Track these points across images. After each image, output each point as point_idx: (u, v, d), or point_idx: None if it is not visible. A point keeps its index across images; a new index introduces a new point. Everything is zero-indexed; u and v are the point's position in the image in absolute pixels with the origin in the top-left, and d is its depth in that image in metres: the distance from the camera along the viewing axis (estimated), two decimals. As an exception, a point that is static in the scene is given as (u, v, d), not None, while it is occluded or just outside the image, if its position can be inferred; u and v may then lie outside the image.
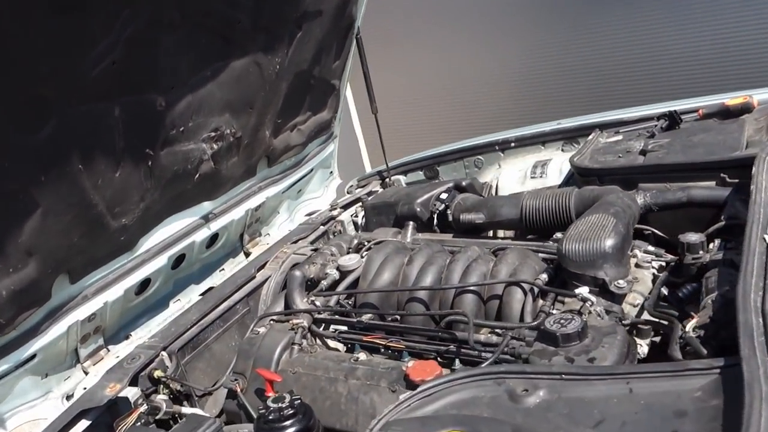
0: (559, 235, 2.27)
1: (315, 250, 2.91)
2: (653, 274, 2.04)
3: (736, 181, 2.27)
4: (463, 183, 3.03)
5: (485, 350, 1.89)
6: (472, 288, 2.10)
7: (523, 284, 2.04)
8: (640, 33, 5.48)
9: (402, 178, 3.74)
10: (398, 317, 2.25)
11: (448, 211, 2.86)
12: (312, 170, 3.65)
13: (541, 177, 3.14)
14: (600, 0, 5.55)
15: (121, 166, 2.33)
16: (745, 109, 2.74)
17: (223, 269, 3.23)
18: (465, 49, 6.32)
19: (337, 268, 2.48)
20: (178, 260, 2.86)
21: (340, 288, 2.38)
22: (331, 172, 3.84)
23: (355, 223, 3.39)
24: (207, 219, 3.00)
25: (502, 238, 2.69)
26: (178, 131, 2.55)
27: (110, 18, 1.97)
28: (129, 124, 2.27)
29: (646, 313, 1.89)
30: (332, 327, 2.29)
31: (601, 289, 1.93)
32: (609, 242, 1.94)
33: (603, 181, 2.61)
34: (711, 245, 1.92)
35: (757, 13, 4.97)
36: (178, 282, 2.99)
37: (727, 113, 2.79)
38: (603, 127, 3.15)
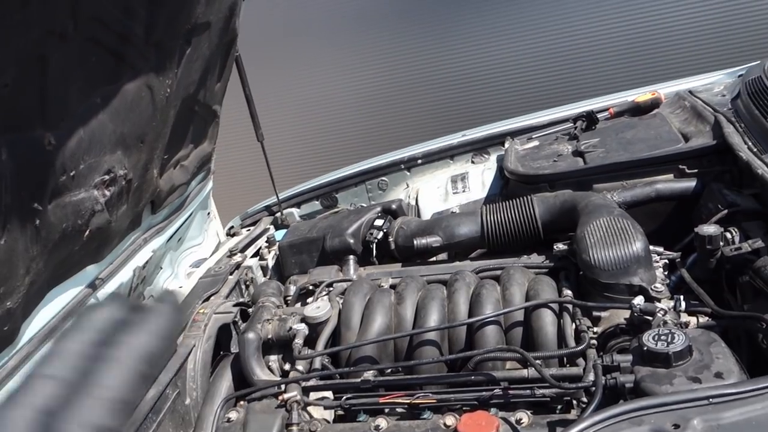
0: (561, 246, 2.09)
1: (243, 305, 2.43)
2: (663, 273, 1.94)
3: (695, 171, 2.29)
4: (393, 206, 2.75)
5: (537, 387, 1.64)
6: (490, 319, 1.83)
7: (549, 305, 1.81)
8: (533, 35, 5.50)
9: (295, 211, 3.35)
10: (399, 369, 1.90)
11: (389, 239, 2.56)
12: (192, 213, 3.12)
13: (464, 191, 2.98)
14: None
15: (6, 230, 1.73)
16: (655, 104, 2.84)
17: (110, 348, 2.58)
18: (345, 63, 5.95)
19: (303, 321, 2.05)
20: (65, 347, 2.21)
21: (320, 344, 1.95)
22: (209, 213, 3.32)
23: (263, 268, 2.92)
24: (94, 287, 2.39)
25: (460, 260, 2.44)
26: (68, 177, 1.99)
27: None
28: (16, 172, 1.70)
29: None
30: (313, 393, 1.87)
31: (636, 296, 1.78)
32: (639, 245, 1.81)
33: (554, 187, 2.51)
34: (728, 236, 1.87)
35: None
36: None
37: (637, 110, 2.87)
38: (513, 134, 3.08)
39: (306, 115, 6.09)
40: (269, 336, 2.08)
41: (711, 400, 1.24)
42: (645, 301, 1.71)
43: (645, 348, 1.42)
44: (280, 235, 3.10)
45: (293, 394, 1.74)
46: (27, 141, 1.70)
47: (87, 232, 2.22)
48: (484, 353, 1.71)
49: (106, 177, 2.21)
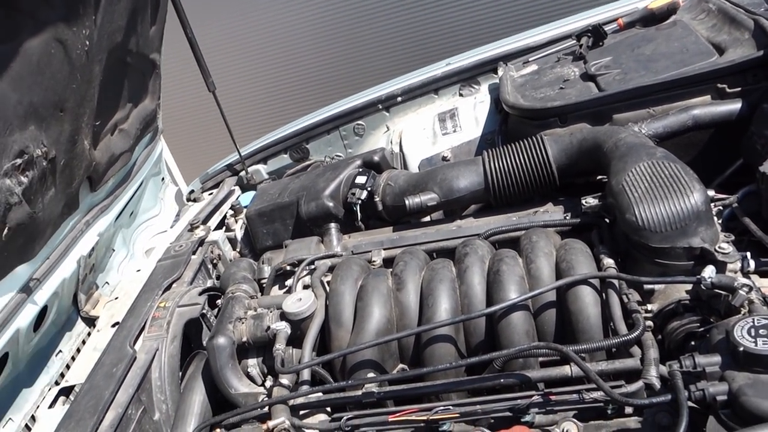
0: (591, 200, 1.71)
1: (212, 293, 2.05)
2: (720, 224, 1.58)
3: (738, 90, 1.90)
4: (375, 158, 2.34)
5: (586, 390, 1.29)
6: (515, 303, 1.46)
7: (591, 280, 1.45)
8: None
9: (262, 168, 2.92)
10: (406, 369, 1.55)
11: (376, 198, 2.16)
12: (143, 182, 2.68)
13: (454, 131, 2.56)
14: None
15: None
16: (672, 9, 2.41)
17: (60, 351, 2.20)
18: None
19: (283, 318, 1.67)
20: (0, 365, 1.86)
21: (306, 348, 1.58)
22: (163, 178, 2.89)
23: (231, 240, 2.52)
24: (28, 291, 2.01)
25: (460, 217, 2.06)
26: None
27: None
28: None
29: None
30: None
31: (697, 261, 1.42)
32: (698, 196, 1.43)
33: (566, 121, 2.11)
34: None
35: None
36: (3, 396, 1.97)
37: (651, 18, 2.44)
38: (506, 59, 2.64)
39: (263, 54, 5.37)
40: (244, 339, 1.71)
41: None
42: (713, 267, 1.35)
43: (741, 348, 1.07)
44: (247, 199, 2.68)
45: (280, 420, 1.39)
46: None
47: (5, 230, 1.81)
48: (514, 352, 1.35)
49: (19, 160, 1.79)
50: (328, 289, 1.75)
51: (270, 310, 1.73)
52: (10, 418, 1.96)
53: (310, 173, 2.44)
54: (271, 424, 1.39)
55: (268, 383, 1.56)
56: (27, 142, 1.79)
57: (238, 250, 2.50)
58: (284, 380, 1.52)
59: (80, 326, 2.29)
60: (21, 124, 1.76)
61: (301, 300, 1.67)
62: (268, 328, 1.68)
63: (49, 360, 2.14)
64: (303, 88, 5.43)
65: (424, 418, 1.36)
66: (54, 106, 1.89)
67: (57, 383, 2.09)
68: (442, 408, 1.36)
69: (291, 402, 1.46)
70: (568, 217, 1.80)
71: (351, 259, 1.80)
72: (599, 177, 1.96)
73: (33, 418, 1.98)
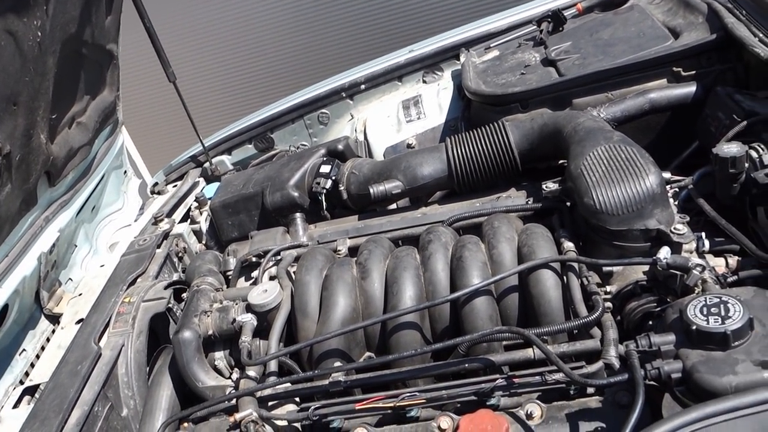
0: (551, 185, 1.73)
1: (178, 284, 2.03)
2: (676, 205, 1.61)
3: (693, 73, 1.94)
4: (339, 146, 2.33)
5: (549, 372, 1.32)
6: (478, 288, 1.48)
7: (551, 264, 1.48)
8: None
9: (226, 159, 2.90)
10: (372, 357, 1.56)
11: (340, 187, 2.16)
12: (104, 176, 2.64)
13: (419, 118, 2.57)
14: None
15: None
16: (627, -6, 2.44)
17: (24, 350, 2.17)
18: None
19: (249, 310, 1.67)
20: (-39, 367, 1.83)
21: (273, 339, 1.58)
22: (125, 171, 2.84)
23: (196, 233, 2.50)
24: (-13, 289, 1.96)
25: (425, 204, 2.07)
26: None
27: None
28: None
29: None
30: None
31: (654, 243, 1.46)
32: (653, 179, 1.46)
33: (527, 106, 2.13)
34: (754, 154, 1.53)
35: None
36: (-34, 397, 1.92)
37: (609, 3, 2.47)
38: (468, 45, 2.65)
39: (225, 43, 5.27)
40: (210, 332, 1.70)
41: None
42: (669, 248, 1.38)
43: (693, 327, 1.10)
44: (211, 190, 2.66)
45: (247, 412, 1.39)
46: None
47: (-39, 231, 1.77)
48: (478, 337, 1.37)
49: (-31, 158, 1.74)
50: (294, 279, 1.75)
51: (236, 303, 1.72)
52: (-26, 420, 1.93)
53: (275, 163, 2.42)
54: (238, 416, 1.39)
55: (236, 376, 1.56)
56: (-21, 139, 1.75)
57: (203, 242, 2.48)
58: (251, 372, 1.52)
59: (44, 324, 2.25)
60: (-28, 121, 1.72)
61: (266, 291, 1.67)
62: (234, 320, 1.68)
63: (12, 359, 2.11)
64: (266, 77, 5.36)
65: (391, 405, 1.38)
66: (6, 100, 1.85)
67: (21, 382, 2.06)
68: (408, 394, 1.38)
69: (258, 393, 1.46)
70: (529, 202, 1.83)
71: (316, 248, 1.81)
72: (560, 161, 1.98)
73: (-3, 418, 1.95)
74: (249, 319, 1.63)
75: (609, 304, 1.41)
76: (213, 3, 5.12)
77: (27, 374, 2.09)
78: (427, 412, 1.41)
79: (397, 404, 1.37)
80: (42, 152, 2.09)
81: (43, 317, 2.26)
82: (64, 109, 2.24)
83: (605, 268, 1.47)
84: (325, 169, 2.20)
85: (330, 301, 1.57)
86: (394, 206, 2.22)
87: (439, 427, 1.33)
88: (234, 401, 1.48)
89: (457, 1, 4.86)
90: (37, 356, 2.15)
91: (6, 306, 2.00)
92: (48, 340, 2.21)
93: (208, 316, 1.71)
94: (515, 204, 1.79)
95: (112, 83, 2.55)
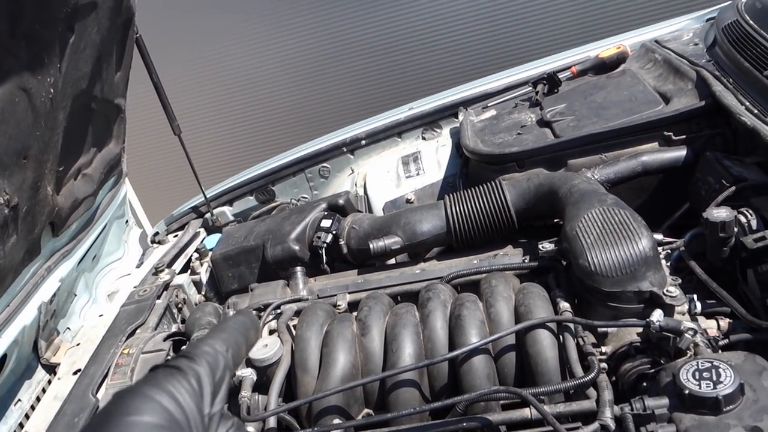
0: (547, 245, 1.78)
1: (177, 339, 2.04)
2: (668, 266, 1.65)
3: (683, 137, 2.01)
4: (340, 201, 2.38)
5: None
6: (476, 347, 1.51)
7: (548, 323, 1.51)
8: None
9: (227, 210, 2.94)
10: (371, 414, 1.58)
11: (341, 242, 2.20)
12: (106, 225, 2.68)
13: (418, 174, 2.63)
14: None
15: None
16: (621, 58, 2.54)
17: (20, 401, 2.16)
18: (264, 32, 5.10)
19: (249, 364, 1.69)
20: (-43, 417, 1.82)
21: (273, 395, 1.59)
22: (127, 221, 2.88)
23: (196, 284, 2.52)
24: (-14, 340, 1.97)
25: (424, 259, 2.11)
26: None
27: None
28: None
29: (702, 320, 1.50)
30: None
31: (647, 304, 1.49)
32: (645, 242, 1.51)
33: (523, 166, 2.19)
34: (743, 219, 1.59)
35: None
36: (-40, 450, 1.92)
37: (602, 66, 2.56)
38: (466, 104, 2.74)
39: (227, 98, 5.40)
40: (209, 386, 1.71)
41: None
42: (661, 311, 1.42)
43: (686, 391, 1.13)
44: (212, 241, 2.70)
45: (246, 472, 1.39)
46: None
47: (-35, 280, 1.80)
48: (476, 397, 1.39)
49: (-19, 208, 1.78)
50: (294, 334, 1.77)
51: (235, 356, 1.74)
52: (-36, 473, 1.92)
53: (276, 216, 2.47)
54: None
55: None
56: (-11, 190, 1.79)
57: (203, 293, 2.50)
58: (250, 428, 1.53)
59: (40, 374, 2.25)
60: (-18, 174, 1.77)
61: (267, 346, 1.69)
62: (234, 375, 1.69)
63: (7, 409, 2.10)
64: (268, 130, 5.46)
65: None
66: (17, 154, 1.89)
67: (16, 433, 2.06)
68: (407, 454, 1.39)
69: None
70: (526, 261, 1.87)
71: (316, 304, 1.83)
72: (555, 220, 2.04)
73: (-10, 470, 1.94)
74: (249, 374, 1.64)
75: (604, 365, 1.44)
76: (218, 59, 5.25)
77: (21, 425, 2.09)
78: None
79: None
80: (48, 204, 2.13)
81: (39, 367, 2.26)
82: (71, 162, 2.29)
83: (600, 329, 1.50)
84: (326, 223, 2.24)
85: (330, 357, 1.59)
86: (392, 261, 2.26)
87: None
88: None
89: (456, 61, 5.01)
90: (32, 407, 2.15)
91: (5, 356, 2.01)
92: (44, 390, 2.21)
93: (208, 369, 1.72)
94: (512, 263, 1.83)
95: (118, 135, 2.61)
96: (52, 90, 2.01)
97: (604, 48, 2.59)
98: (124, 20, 2.38)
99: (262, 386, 1.70)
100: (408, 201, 2.57)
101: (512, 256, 1.93)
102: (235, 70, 5.27)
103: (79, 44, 2.08)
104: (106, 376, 1.99)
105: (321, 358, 1.65)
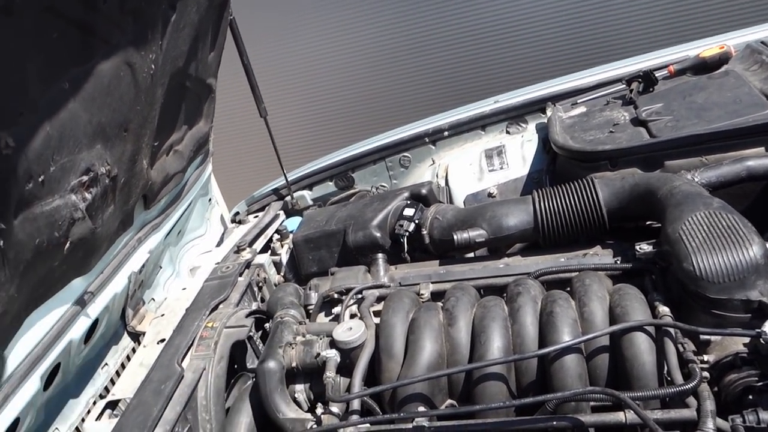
0: (645, 246, 1.72)
1: (259, 314, 2.08)
2: None
3: (793, 143, 1.91)
4: (422, 191, 2.37)
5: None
6: (569, 345, 1.47)
7: (646, 327, 1.46)
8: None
9: (307, 194, 2.97)
10: (455, 405, 1.56)
11: (423, 231, 2.19)
12: (191, 202, 2.74)
13: (501, 168, 2.59)
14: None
15: None
16: (723, 59, 2.43)
17: (106, 365, 2.25)
18: (356, 20, 5.07)
19: (333, 346, 1.70)
20: (52, 375, 1.90)
21: (357, 378, 1.60)
22: (210, 199, 2.95)
23: (276, 264, 2.56)
24: (83, 303, 2.06)
25: (506, 254, 2.08)
26: (36, 183, 1.63)
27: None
28: None
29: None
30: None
31: (755, 314, 1.42)
32: (756, 249, 1.44)
33: (616, 165, 2.13)
34: None
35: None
36: (51, 406, 2.00)
37: (702, 66, 2.45)
38: (554, 99, 2.68)
39: (314, 84, 5.42)
40: (293, 364, 1.73)
41: None
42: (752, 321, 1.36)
43: (806, 407, 1.07)
44: (292, 224, 2.73)
45: (334, 451, 1.40)
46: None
47: (67, 244, 1.87)
48: (570, 395, 1.36)
49: (85, 177, 1.85)
50: (374, 319, 1.77)
51: (320, 337, 1.75)
52: (56, 428, 2.00)
53: (357, 203, 2.47)
54: (324, 453, 1.40)
55: (319, 410, 1.58)
56: (93, 160, 1.86)
57: (282, 274, 2.53)
58: (334, 408, 1.54)
59: (126, 341, 2.33)
60: (89, 143, 1.83)
61: (351, 329, 1.70)
62: (318, 354, 1.70)
63: (95, 373, 2.19)
64: (351, 119, 5.49)
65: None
66: (119, 127, 1.96)
67: (102, 396, 2.13)
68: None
69: (341, 431, 1.48)
70: (618, 262, 1.81)
71: (401, 291, 1.83)
72: (648, 222, 1.97)
73: (77, 429, 2.01)
74: (333, 355, 1.65)
75: (706, 374, 1.38)
76: (303, 43, 5.30)
77: (107, 389, 2.17)
78: (507, 466, 1.40)
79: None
80: (142, 177, 2.20)
81: (125, 334, 2.34)
82: (164, 138, 2.35)
83: (702, 337, 1.44)
84: (409, 212, 2.24)
85: (417, 345, 1.59)
86: (471, 255, 2.23)
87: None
88: (317, 436, 1.50)
89: (544, 56, 4.90)
90: (117, 373, 2.23)
91: (96, 320, 2.08)
92: (128, 357, 2.29)
93: (293, 348, 1.75)
94: (605, 262, 1.78)
95: (208, 115, 2.67)
96: (153, 66, 2.06)
97: (705, 47, 2.48)
98: (221, 1, 2.43)
99: (344, 369, 1.71)
100: (490, 195, 2.54)
101: (603, 256, 1.88)
102: (320, 55, 5.30)
103: (179, 23, 2.13)
104: (190, 347, 2.04)
105: (407, 345, 1.64)
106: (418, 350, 1.58)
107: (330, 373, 1.61)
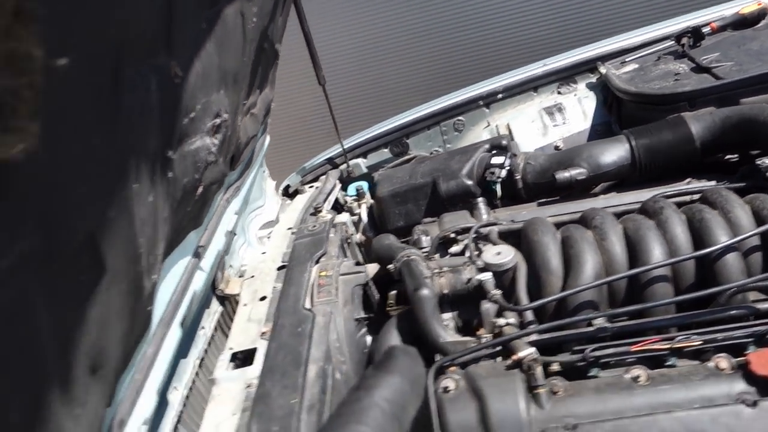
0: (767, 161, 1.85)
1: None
2: None
3: None
4: (503, 142, 2.46)
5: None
6: (730, 243, 1.58)
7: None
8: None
9: (361, 162, 3.00)
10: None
11: (516, 176, 2.27)
12: (255, 171, 2.74)
13: (564, 124, 2.71)
14: None
15: (153, 183, 1.39)
16: (762, 14, 2.64)
17: (203, 328, 2.21)
18: None
19: (485, 269, 1.75)
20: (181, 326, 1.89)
21: (522, 292, 1.66)
22: (264, 171, 2.94)
23: (354, 224, 2.58)
24: (198, 256, 2.03)
25: (606, 191, 2.19)
26: (189, 119, 1.64)
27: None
28: (161, 110, 1.37)
29: None
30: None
31: None
32: None
33: (694, 106, 2.28)
34: None
35: None
36: (175, 363, 1.96)
37: (742, 23, 2.66)
38: (602, 59, 2.83)
39: (363, 51, 5.44)
40: (445, 291, 1.77)
41: None
42: None
43: None
44: (351, 190, 2.76)
45: (529, 352, 1.45)
46: (155, 71, 1.33)
47: (200, 189, 1.86)
48: (753, 281, 1.47)
49: (217, 120, 1.85)
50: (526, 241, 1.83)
51: (466, 265, 1.80)
52: (175, 387, 1.95)
53: (437, 157, 2.53)
54: (521, 354, 1.45)
55: (503, 321, 1.62)
56: (219, 105, 1.86)
57: (360, 232, 2.55)
58: (512, 319, 1.59)
59: (215, 304, 2.30)
60: (217, 87, 1.83)
61: (500, 254, 1.76)
62: (469, 280, 1.75)
63: (196, 334, 2.15)
64: (402, 85, 5.54)
65: (667, 347, 1.45)
66: (233, 76, 1.96)
67: (202, 359, 2.08)
68: (682, 337, 1.45)
69: (526, 339, 1.53)
70: (723, 184, 1.94)
71: (538, 217, 1.89)
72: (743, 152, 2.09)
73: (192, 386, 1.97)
74: (489, 278, 1.70)
75: None
76: (358, 15, 5.37)
77: (206, 351, 2.13)
78: (681, 361, 1.49)
79: (674, 346, 1.45)
80: (236, 133, 2.19)
81: (214, 298, 2.30)
82: (248, 97, 2.35)
83: None
84: (498, 159, 2.32)
85: (579, 258, 1.66)
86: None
87: (717, 366, 1.41)
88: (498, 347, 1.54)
89: (587, 19, 5.14)
90: (212, 336, 2.19)
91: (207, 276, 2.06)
92: (218, 322, 2.25)
93: (441, 276, 1.78)
94: (729, 184, 1.89)
95: (272, 81, 2.67)
96: (254, 19, 2.07)
97: (742, 5, 2.69)
98: (294, -37, 2.45)
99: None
100: (557, 148, 2.65)
101: (705, 183, 2.01)
102: (374, 22, 5.37)
103: (272, -22, 2.15)
104: (311, 295, 2.03)
105: (565, 261, 1.71)
106: (582, 262, 1.65)
107: (495, 291, 1.65)
